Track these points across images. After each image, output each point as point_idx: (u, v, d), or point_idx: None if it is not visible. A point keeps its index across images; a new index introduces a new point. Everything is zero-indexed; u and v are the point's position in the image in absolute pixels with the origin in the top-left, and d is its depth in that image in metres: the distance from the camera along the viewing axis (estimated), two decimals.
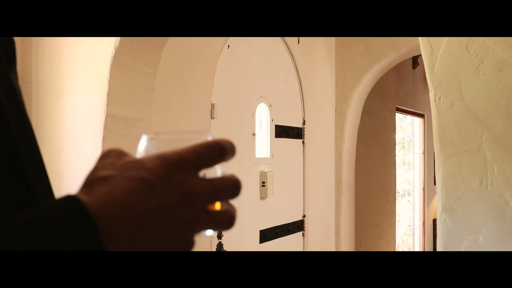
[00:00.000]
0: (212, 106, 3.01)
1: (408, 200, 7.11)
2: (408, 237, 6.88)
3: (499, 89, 1.65)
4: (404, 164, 7.55)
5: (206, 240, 2.99)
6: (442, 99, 1.71)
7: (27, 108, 1.69)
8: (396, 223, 6.27)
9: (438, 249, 1.74)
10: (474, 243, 1.67)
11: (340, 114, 4.46)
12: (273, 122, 3.66)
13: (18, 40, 2.40)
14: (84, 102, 2.27)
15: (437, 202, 1.76)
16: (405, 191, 7.30)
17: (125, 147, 1.71)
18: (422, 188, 6.99)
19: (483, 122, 1.65)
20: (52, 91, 2.37)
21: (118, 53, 2.20)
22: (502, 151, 1.65)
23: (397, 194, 6.42)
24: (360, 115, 4.56)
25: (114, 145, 2.23)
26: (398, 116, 6.46)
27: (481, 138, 1.66)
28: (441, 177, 1.72)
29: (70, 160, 2.32)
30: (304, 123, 4.04)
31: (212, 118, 3.02)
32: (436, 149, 1.74)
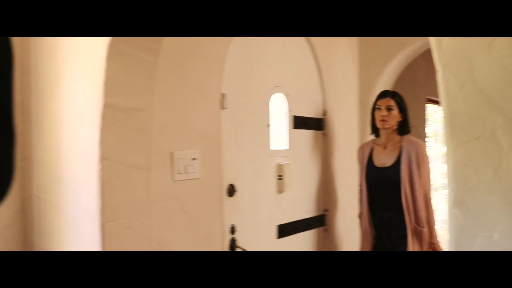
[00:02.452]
0: (223, 96, 2.89)
1: (445, 194, 6.89)
2: (444, 231, 6.66)
3: None
4: (439, 157, 7.32)
5: (217, 236, 2.88)
6: (451, 80, 1.55)
7: (27, 98, 1.59)
8: None
9: (450, 247, 1.58)
10: (489, 240, 1.51)
11: (364, 104, 4.30)
12: (290, 112, 3.52)
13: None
14: (81, 91, 2.18)
15: (448, 195, 1.60)
16: (440, 185, 7.07)
17: (124, 138, 1.60)
18: None
19: (497, 105, 1.49)
20: (50, 81, 2.29)
21: (115, 40, 2.10)
22: None
23: (431, 188, 6.21)
24: None
25: (112, 136, 2.14)
26: (432, 107, 6.25)
27: (495, 123, 1.50)
28: (451, 167, 1.56)
29: (68, 152, 2.24)
30: (324, 114, 3.88)
31: (222, 108, 2.89)
32: (446, 136, 1.58)
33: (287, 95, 3.48)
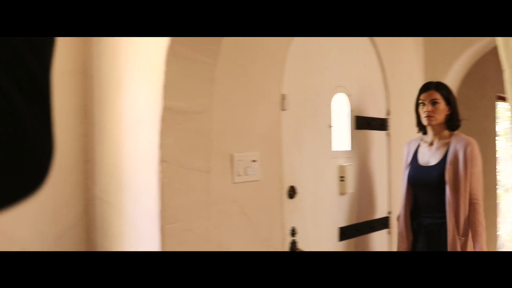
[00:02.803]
0: (283, 97, 2.86)
1: None
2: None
3: None
4: (510, 156, 7.06)
5: (278, 238, 2.86)
6: None
7: (90, 101, 1.62)
8: (500, 220, 5.85)
9: None
10: None
11: None
12: (353, 113, 3.45)
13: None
14: (141, 95, 2.20)
15: None
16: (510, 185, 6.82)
17: (183, 141, 1.61)
18: None
19: None
20: (111, 85, 2.32)
21: (174, 43, 2.10)
22: None
23: (501, 189, 6.00)
24: None
25: (171, 139, 2.14)
26: (502, 105, 6.01)
27: None
28: None
29: (129, 154, 2.26)
30: (388, 114, 3.78)
31: (283, 109, 2.86)
32: None
33: (349, 95, 3.41)
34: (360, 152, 3.54)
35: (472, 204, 3.02)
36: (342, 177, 3.33)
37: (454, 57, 4.18)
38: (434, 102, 3.10)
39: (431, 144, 3.18)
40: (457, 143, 3.07)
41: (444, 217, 3.02)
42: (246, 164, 2.64)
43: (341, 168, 3.33)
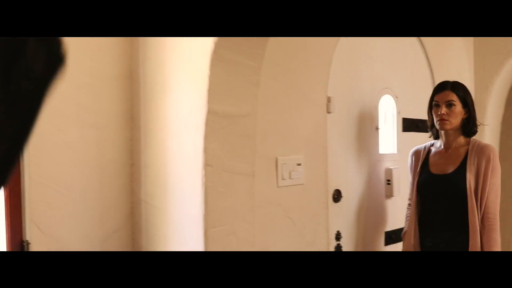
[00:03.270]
0: (328, 99, 2.83)
1: None
2: None
3: None
4: None
5: (322, 242, 2.82)
6: None
7: (136, 106, 1.66)
8: None
9: None
10: None
11: (479, 105, 4.05)
12: (399, 115, 3.38)
13: (127, 40, 2.40)
14: (186, 99, 2.21)
15: None
16: None
17: (228, 144, 1.61)
18: None
19: None
20: (157, 89, 2.33)
21: (218, 47, 2.10)
22: None
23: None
24: (503, 106, 4.12)
25: (216, 142, 2.14)
26: None
27: None
28: None
29: (174, 158, 2.27)
30: None
31: (328, 112, 2.83)
32: None
33: (396, 97, 3.35)
34: (407, 155, 3.47)
35: (488, 220, 2.68)
36: (388, 180, 3.28)
37: (506, 56, 4.05)
38: (449, 104, 2.76)
39: (446, 150, 2.84)
40: (477, 150, 2.74)
41: (463, 232, 2.68)
42: (290, 167, 2.62)
43: (388, 171, 3.28)
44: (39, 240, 2.14)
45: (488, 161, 2.69)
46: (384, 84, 3.26)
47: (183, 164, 2.23)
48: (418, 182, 2.86)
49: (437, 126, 2.81)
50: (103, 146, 2.34)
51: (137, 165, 2.43)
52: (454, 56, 3.95)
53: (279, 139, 2.59)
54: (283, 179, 2.59)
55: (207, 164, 2.14)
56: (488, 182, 2.68)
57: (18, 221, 2.13)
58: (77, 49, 2.22)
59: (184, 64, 2.21)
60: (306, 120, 2.71)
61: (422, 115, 3.59)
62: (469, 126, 2.81)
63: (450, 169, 2.77)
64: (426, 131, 3.59)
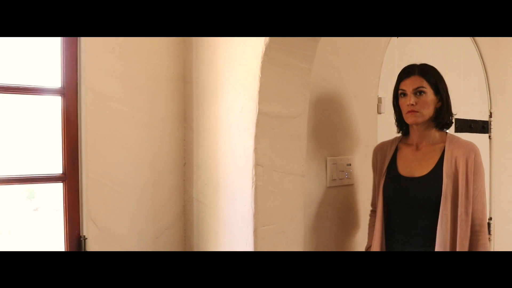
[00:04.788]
0: (379, 100, 2.83)
1: None
2: None
3: None
4: None
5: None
6: None
7: (189, 107, 1.72)
8: None
9: None
10: None
11: None
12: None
13: (181, 43, 2.47)
14: (237, 100, 2.25)
15: None
16: None
17: (278, 145, 1.66)
18: None
19: None
20: (209, 90, 2.39)
21: (269, 49, 2.13)
22: None
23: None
24: None
25: (266, 143, 2.18)
26: None
27: None
28: None
29: (225, 158, 2.32)
30: (490, 116, 3.63)
31: (379, 113, 2.83)
32: None
33: None
34: None
35: (474, 233, 2.25)
36: None
37: None
38: (419, 92, 2.32)
39: (417, 148, 2.41)
40: (455, 149, 2.29)
41: (434, 246, 2.24)
42: (340, 167, 2.63)
43: None
44: (95, 235, 2.22)
45: (468, 161, 2.25)
46: None
47: (234, 164, 2.28)
48: (384, 185, 2.40)
49: (407, 120, 2.36)
50: (157, 145, 2.41)
51: (190, 164, 2.49)
52: (509, 54, 3.86)
53: (329, 140, 2.61)
54: (333, 179, 2.61)
55: (257, 164, 2.17)
56: (471, 188, 2.24)
57: (76, 217, 2.23)
58: (134, 51, 2.30)
59: (235, 66, 2.26)
60: (357, 120, 2.72)
61: (475, 115, 3.54)
62: (442, 117, 2.37)
63: (423, 171, 2.33)
64: (479, 132, 3.54)
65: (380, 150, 2.51)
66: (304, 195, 2.38)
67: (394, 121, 2.49)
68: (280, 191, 2.27)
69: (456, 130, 3.37)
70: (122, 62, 2.28)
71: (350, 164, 2.67)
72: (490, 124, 3.63)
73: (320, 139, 2.56)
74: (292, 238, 2.33)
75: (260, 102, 2.16)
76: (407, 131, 2.46)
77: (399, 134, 2.50)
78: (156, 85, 2.41)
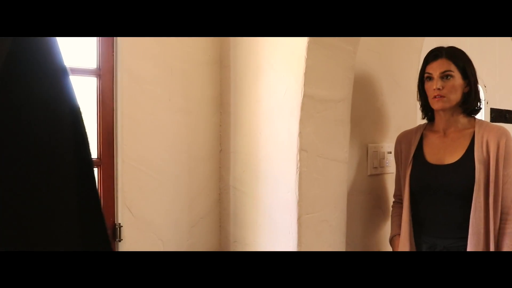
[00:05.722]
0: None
1: None
2: None
3: None
4: None
5: None
6: None
7: (226, 91, 1.66)
8: None
9: None
10: None
11: None
12: (488, 105, 3.25)
13: None
14: (280, 82, 2.17)
15: None
16: None
17: (323, 129, 1.56)
18: None
19: None
20: (249, 73, 2.30)
21: None
22: None
23: None
24: None
25: (311, 127, 2.10)
26: None
27: None
28: None
29: (266, 143, 2.24)
30: None
31: (418, 100, 2.74)
32: None
33: (484, 86, 3.23)
34: None
35: (501, 221, 2.14)
36: None
37: None
38: (446, 76, 2.21)
39: (444, 134, 2.29)
40: (486, 133, 2.17)
41: (467, 238, 2.13)
42: (381, 155, 2.55)
43: None
44: (131, 223, 2.14)
45: (500, 145, 2.13)
46: None
47: (276, 150, 2.19)
48: (410, 174, 2.28)
49: (434, 105, 2.25)
50: (193, 131, 2.33)
51: (226, 151, 2.41)
52: None
53: (370, 126, 2.53)
54: (374, 167, 2.53)
55: (302, 149, 2.09)
56: (501, 174, 2.12)
57: (111, 204, 2.14)
58: None
59: (278, 48, 2.17)
60: (398, 107, 2.63)
61: (510, 105, 3.46)
62: (470, 102, 2.24)
63: (453, 158, 2.21)
64: None
65: (404, 138, 2.38)
66: (346, 183, 2.31)
67: (420, 106, 2.38)
68: (324, 178, 2.19)
69: (492, 120, 3.29)
70: (158, 44, 2.19)
71: (390, 152, 2.59)
72: None
73: (361, 125, 2.48)
74: (335, 227, 2.25)
75: (306, 84, 2.07)
76: (432, 117, 2.34)
77: (425, 121, 2.39)
78: (193, 69, 2.32)
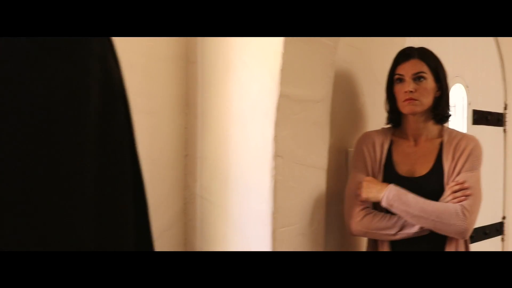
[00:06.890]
0: None
1: None
2: None
3: None
4: None
5: None
6: None
7: (192, 90, 1.62)
8: None
9: None
10: None
11: None
12: (470, 106, 3.10)
13: None
14: (253, 80, 1.95)
15: None
16: None
17: (300, 133, 1.31)
18: None
19: None
20: (218, 70, 2.08)
21: None
22: None
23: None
24: None
25: (287, 130, 1.89)
26: None
27: None
28: None
29: (237, 148, 2.01)
30: (505, 108, 3.41)
31: None
32: None
33: (466, 86, 3.07)
34: None
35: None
36: None
37: None
38: (419, 78, 2.04)
39: (415, 143, 2.13)
40: (454, 143, 2.06)
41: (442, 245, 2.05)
42: None
43: None
44: None
45: (467, 156, 2.00)
46: (456, 71, 2.98)
47: (249, 155, 1.97)
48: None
49: (404, 110, 2.07)
50: (155, 134, 2.09)
51: (192, 156, 2.18)
52: None
53: (350, 129, 2.33)
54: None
55: (277, 155, 1.88)
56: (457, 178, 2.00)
57: None
58: None
59: (252, 42, 1.95)
60: (379, 108, 2.44)
61: (492, 107, 3.32)
62: (442, 107, 2.10)
63: (423, 170, 2.06)
64: (494, 124, 3.31)
65: (367, 140, 2.15)
66: (325, 191, 2.11)
67: (387, 110, 2.19)
68: (301, 187, 1.99)
69: (474, 123, 3.14)
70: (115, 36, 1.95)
71: None
72: (505, 116, 3.41)
73: (340, 128, 2.28)
74: (313, 241, 2.05)
75: (282, 82, 1.86)
76: (398, 123, 2.16)
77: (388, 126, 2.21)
78: (155, 64, 2.09)
